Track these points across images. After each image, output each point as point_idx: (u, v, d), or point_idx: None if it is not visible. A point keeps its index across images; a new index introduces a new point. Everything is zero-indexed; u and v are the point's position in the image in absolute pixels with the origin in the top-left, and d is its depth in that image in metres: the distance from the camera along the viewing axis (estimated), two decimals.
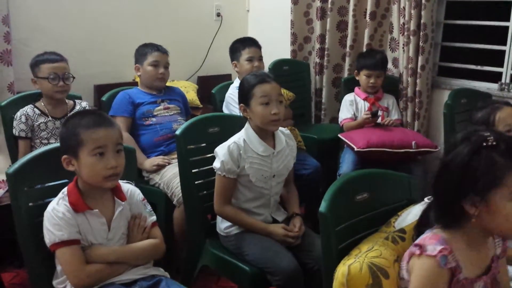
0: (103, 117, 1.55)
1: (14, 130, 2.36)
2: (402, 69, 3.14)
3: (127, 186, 1.62)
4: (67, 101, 2.47)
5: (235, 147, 1.85)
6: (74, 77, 2.41)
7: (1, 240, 2.35)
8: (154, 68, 2.60)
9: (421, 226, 1.28)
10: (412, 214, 1.39)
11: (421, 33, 2.96)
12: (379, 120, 2.86)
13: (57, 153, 1.53)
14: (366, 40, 3.26)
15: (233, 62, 2.89)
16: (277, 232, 1.86)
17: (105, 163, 1.46)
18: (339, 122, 3.01)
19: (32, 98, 2.45)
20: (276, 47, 3.66)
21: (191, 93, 3.54)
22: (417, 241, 1.20)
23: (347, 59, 3.41)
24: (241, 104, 1.91)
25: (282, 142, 1.96)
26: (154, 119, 2.59)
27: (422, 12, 2.93)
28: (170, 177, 2.37)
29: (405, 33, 3.04)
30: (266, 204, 1.95)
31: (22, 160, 1.57)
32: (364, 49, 3.26)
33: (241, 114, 1.95)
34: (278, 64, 3.36)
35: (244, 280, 1.85)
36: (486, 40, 3.05)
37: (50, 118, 2.39)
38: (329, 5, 3.40)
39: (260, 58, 2.85)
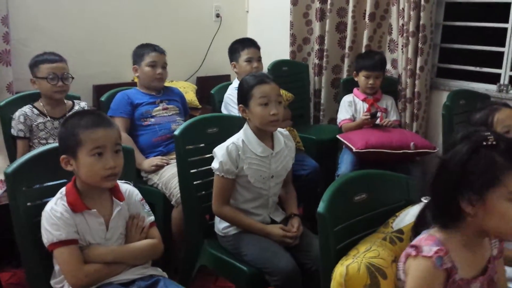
0: (102, 117, 1.55)
1: (12, 130, 2.36)
2: (401, 70, 3.14)
3: (125, 186, 1.62)
4: (66, 101, 2.47)
5: (233, 147, 1.85)
6: (73, 77, 2.41)
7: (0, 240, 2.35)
8: (152, 69, 2.60)
9: (418, 226, 1.28)
10: (410, 215, 1.40)
11: (420, 35, 2.97)
12: (377, 121, 2.86)
13: (56, 153, 1.53)
14: (365, 41, 3.27)
15: (232, 62, 2.89)
16: (275, 233, 1.87)
17: (103, 163, 1.46)
18: (338, 123, 3.01)
19: (30, 98, 2.45)
20: (275, 48, 3.67)
21: (190, 94, 3.54)
22: (413, 242, 1.20)
23: (346, 60, 3.41)
24: (240, 105, 1.91)
25: (281, 143, 1.96)
26: (152, 120, 2.59)
27: (421, 14, 2.93)
28: (168, 177, 2.37)
29: (404, 35, 3.04)
30: (265, 205, 1.95)
31: (20, 160, 1.56)
32: (363, 50, 3.26)
33: (240, 115, 1.95)
34: (277, 65, 3.36)
35: (242, 280, 1.85)
36: (484, 42, 3.06)
37: (48, 118, 2.39)
38: (328, 6, 3.41)
39: (259, 59, 2.85)
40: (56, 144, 1.58)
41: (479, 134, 1.15)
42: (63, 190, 1.51)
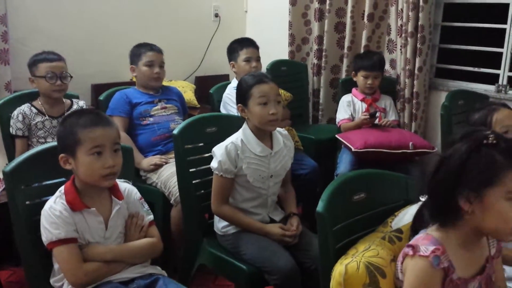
0: (100, 116, 1.55)
1: (11, 129, 2.36)
2: (399, 70, 3.15)
3: (124, 185, 1.62)
4: (64, 100, 2.47)
5: (232, 147, 1.85)
6: (71, 77, 2.41)
7: None
8: (149, 68, 2.60)
9: (415, 226, 1.28)
10: (409, 214, 1.40)
11: (418, 35, 2.97)
12: (376, 121, 2.86)
13: (54, 152, 1.53)
14: (363, 42, 3.27)
15: (231, 62, 2.89)
16: (274, 232, 1.87)
17: (102, 162, 1.46)
18: (337, 123, 3.02)
19: (29, 97, 2.44)
20: (274, 48, 3.67)
21: (188, 93, 3.54)
22: (410, 242, 1.21)
23: (345, 60, 3.41)
24: (239, 104, 1.92)
25: (280, 142, 1.96)
26: (151, 119, 2.59)
27: (420, 14, 2.94)
28: (167, 177, 2.37)
29: (403, 35, 3.05)
30: (264, 204, 1.96)
31: (19, 158, 1.56)
32: (362, 51, 3.27)
33: (239, 114, 1.95)
34: (276, 65, 3.36)
35: (241, 279, 1.85)
36: (483, 43, 3.07)
37: (47, 117, 2.39)
38: (327, 7, 3.41)
39: (258, 59, 2.86)
40: (55, 143, 1.57)
41: (479, 133, 1.15)
42: (62, 188, 1.50)
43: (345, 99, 3.00)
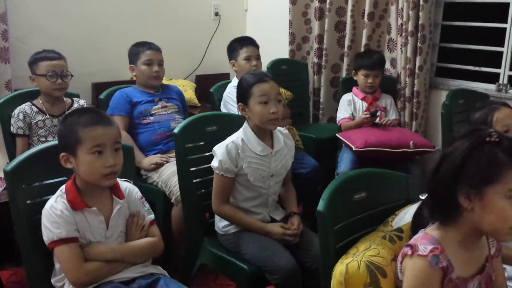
0: (101, 115, 1.55)
1: (11, 128, 2.35)
2: (400, 69, 3.15)
3: (125, 184, 1.62)
4: (65, 99, 2.47)
5: (233, 146, 1.85)
6: (72, 75, 2.41)
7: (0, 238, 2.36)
8: (148, 67, 2.60)
9: (415, 225, 1.28)
10: (409, 214, 1.40)
11: (419, 34, 2.97)
12: (377, 120, 2.86)
13: (55, 151, 1.52)
14: (364, 41, 3.27)
15: (231, 61, 2.89)
16: (275, 231, 1.87)
17: (103, 161, 1.46)
18: (337, 122, 3.02)
19: (29, 96, 2.44)
20: (274, 46, 3.67)
21: (189, 92, 3.54)
22: (409, 242, 1.21)
23: (345, 59, 3.41)
24: (240, 103, 1.91)
25: (281, 141, 1.96)
26: (152, 118, 2.59)
27: (420, 13, 2.93)
28: (168, 176, 2.37)
29: (403, 34, 3.05)
30: (264, 204, 1.96)
31: (19, 157, 1.56)
32: (362, 50, 3.27)
33: (240, 113, 1.95)
34: (276, 64, 3.36)
35: (242, 278, 1.85)
36: (483, 42, 3.07)
37: (48, 116, 2.39)
38: (327, 6, 3.41)
39: (258, 57, 2.85)
40: (56, 142, 1.57)
41: (483, 131, 1.15)
42: (63, 188, 1.50)
43: (346, 98, 3.00)
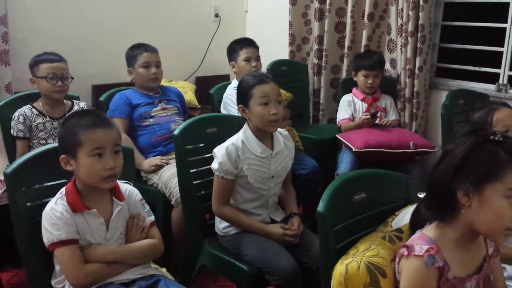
0: (101, 117, 1.55)
1: (12, 130, 2.36)
2: (400, 70, 3.15)
3: (125, 186, 1.62)
4: (65, 101, 2.47)
5: (233, 148, 1.85)
6: (72, 78, 2.41)
7: (0, 240, 2.35)
8: (146, 69, 2.60)
9: (413, 224, 1.28)
10: (409, 214, 1.39)
11: (419, 35, 2.97)
12: (377, 120, 2.86)
13: (55, 153, 1.53)
14: (364, 41, 3.27)
15: (231, 62, 2.90)
16: (275, 232, 1.87)
17: (103, 164, 1.46)
18: (337, 123, 3.02)
19: (30, 98, 2.45)
20: (274, 48, 3.67)
21: (189, 94, 3.54)
22: (405, 242, 1.21)
23: (345, 60, 3.41)
24: (240, 105, 1.92)
25: (281, 143, 1.96)
26: (151, 120, 2.59)
27: (420, 14, 2.94)
28: (168, 177, 2.37)
29: (403, 34, 3.05)
30: (265, 205, 1.96)
31: (20, 160, 1.56)
32: (362, 50, 3.27)
33: (239, 115, 1.95)
34: (276, 65, 3.36)
35: (243, 279, 1.85)
36: (483, 42, 3.07)
37: (48, 119, 2.39)
38: (327, 6, 3.41)
39: (258, 58, 2.86)
40: (56, 144, 1.57)
41: (486, 130, 1.16)
42: (63, 190, 1.50)
43: (346, 99, 3.00)
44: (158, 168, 2.46)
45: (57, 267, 1.49)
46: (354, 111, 2.96)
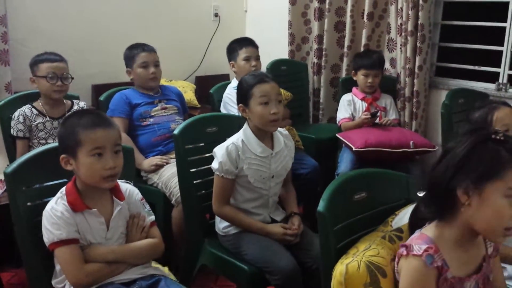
0: (101, 117, 1.55)
1: (12, 130, 2.36)
2: (399, 69, 3.15)
3: (125, 186, 1.62)
4: (65, 101, 2.47)
5: (233, 148, 1.85)
6: (72, 78, 2.41)
7: (0, 240, 2.35)
8: (145, 69, 2.60)
9: (412, 223, 1.28)
10: (409, 214, 1.40)
11: (418, 34, 2.97)
12: (377, 120, 2.86)
13: (55, 153, 1.53)
14: (363, 41, 3.27)
15: (231, 62, 2.89)
16: (275, 231, 1.87)
17: (103, 163, 1.46)
18: (337, 122, 3.02)
19: (29, 98, 2.45)
20: (274, 47, 3.67)
21: (189, 93, 3.54)
22: (404, 242, 1.21)
23: (345, 60, 3.41)
24: (240, 105, 1.91)
25: (281, 143, 1.96)
26: (151, 120, 2.59)
27: (420, 13, 2.94)
28: (168, 177, 2.37)
29: (403, 34, 3.05)
30: (265, 205, 1.96)
31: (20, 159, 1.56)
32: (362, 50, 3.27)
33: (239, 114, 1.95)
34: (276, 64, 3.37)
35: (243, 279, 1.85)
36: (483, 41, 3.07)
37: (48, 118, 2.39)
38: (327, 6, 3.41)
39: (257, 58, 2.86)
40: (56, 144, 1.57)
41: (488, 129, 1.16)
42: (63, 189, 1.50)
43: (346, 98, 3.00)
44: (158, 167, 2.46)
45: (58, 267, 1.49)
46: (354, 110, 2.96)
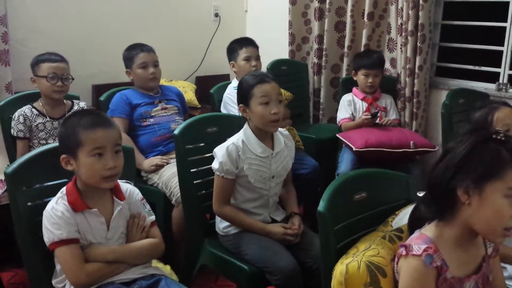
0: (102, 117, 1.55)
1: (12, 130, 2.36)
2: (400, 69, 3.15)
3: (126, 186, 1.62)
4: (65, 101, 2.47)
5: (233, 148, 1.85)
6: (73, 79, 2.41)
7: (0, 240, 2.35)
8: (144, 70, 2.60)
9: (411, 223, 1.28)
10: (409, 214, 1.40)
11: (418, 34, 2.97)
12: (377, 120, 2.86)
13: (56, 153, 1.53)
14: (364, 41, 3.27)
15: (231, 62, 2.89)
16: (275, 231, 1.87)
17: (103, 163, 1.46)
18: (337, 122, 3.02)
19: (30, 98, 2.45)
20: (274, 47, 3.67)
21: (189, 93, 3.54)
22: (404, 242, 1.21)
23: (345, 60, 3.41)
24: (241, 105, 1.91)
25: (281, 143, 1.96)
26: (152, 120, 2.59)
27: (420, 13, 2.94)
28: (168, 177, 2.37)
29: (403, 34, 3.05)
30: (265, 205, 1.96)
31: (20, 159, 1.57)
32: (362, 49, 3.27)
33: (239, 114, 1.95)
34: (276, 64, 3.37)
35: (243, 279, 1.85)
36: (483, 41, 3.07)
37: (48, 119, 2.40)
38: (327, 6, 3.41)
39: (258, 58, 2.86)
40: (56, 144, 1.58)
41: (488, 129, 1.16)
42: (63, 189, 1.51)
43: (346, 98, 3.00)
44: (158, 167, 2.46)
45: (58, 267, 1.49)
46: (354, 110, 2.96)
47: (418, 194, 1.31)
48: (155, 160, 2.49)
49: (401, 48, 3.10)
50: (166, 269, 1.71)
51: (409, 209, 1.43)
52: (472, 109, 2.12)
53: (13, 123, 2.35)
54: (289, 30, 3.62)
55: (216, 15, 4.01)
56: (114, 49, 3.35)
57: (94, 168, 1.46)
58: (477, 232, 1.18)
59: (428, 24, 2.99)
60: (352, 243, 1.38)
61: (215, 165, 1.87)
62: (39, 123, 2.37)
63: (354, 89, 3.03)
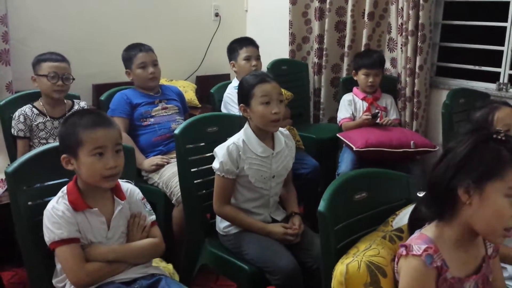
0: (102, 117, 1.55)
1: (12, 130, 2.36)
2: (400, 69, 3.15)
3: (126, 185, 1.62)
4: (65, 101, 2.48)
5: (234, 148, 1.86)
6: (74, 79, 2.41)
7: (1, 239, 2.36)
8: (143, 70, 2.60)
9: (411, 223, 1.28)
10: (409, 214, 1.40)
11: (419, 34, 2.97)
12: (377, 120, 2.86)
13: (56, 153, 1.53)
14: (364, 40, 3.27)
15: (231, 62, 2.90)
16: (276, 231, 1.87)
17: (104, 163, 1.46)
18: (338, 122, 3.02)
19: (30, 98, 2.45)
20: (275, 47, 3.67)
21: (189, 93, 3.55)
22: (404, 242, 1.21)
23: (346, 59, 3.41)
24: (241, 105, 1.91)
25: (281, 143, 1.96)
26: (152, 120, 2.59)
27: (420, 13, 2.94)
28: (169, 177, 2.37)
29: (403, 34, 3.05)
30: (265, 205, 1.96)
31: (21, 159, 1.57)
32: (363, 49, 3.27)
33: (240, 114, 1.95)
34: (277, 64, 3.36)
35: (243, 279, 1.86)
36: (484, 41, 3.07)
37: (48, 118, 2.40)
38: (327, 6, 3.41)
39: (258, 57, 2.86)
40: (57, 144, 1.58)
41: (489, 129, 1.16)
42: (64, 189, 1.51)
43: (346, 98, 3.00)
44: (158, 167, 2.46)
45: (58, 266, 1.49)
46: (355, 110, 2.96)
47: (418, 194, 1.31)
48: (156, 159, 2.49)
49: (401, 48, 3.10)
50: (168, 267, 1.71)
51: (409, 209, 1.42)
52: (472, 109, 2.13)
53: (13, 122, 2.35)
54: (289, 30, 3.63)
55: (217, 15, 4.01)
56: (114, 49, 3.34)
57: (94, 167, 1.46)
58: (477, 232, 1.18)
59: (428, 24, 2.99)
60: (352, 243, 1.38)
61: (215, 164, 1.87)
62: (40, 122, 2.37)
63: (355, 89, 3.03)
